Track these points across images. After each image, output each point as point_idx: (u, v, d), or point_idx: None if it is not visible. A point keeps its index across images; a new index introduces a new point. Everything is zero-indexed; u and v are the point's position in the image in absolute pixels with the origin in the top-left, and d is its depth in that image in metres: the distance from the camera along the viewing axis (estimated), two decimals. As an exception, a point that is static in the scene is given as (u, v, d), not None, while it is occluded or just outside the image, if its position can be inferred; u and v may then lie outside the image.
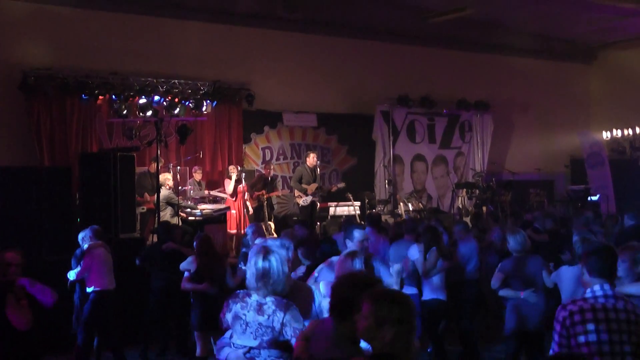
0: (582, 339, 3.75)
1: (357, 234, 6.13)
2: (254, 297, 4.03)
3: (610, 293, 3.87)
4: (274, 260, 4.09)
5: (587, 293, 3.90)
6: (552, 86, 19.22)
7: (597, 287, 3.89)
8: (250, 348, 3.97)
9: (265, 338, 3.96)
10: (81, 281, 7.90)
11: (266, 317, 3.98)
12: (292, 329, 3.98)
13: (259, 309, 4.00)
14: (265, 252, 4.13)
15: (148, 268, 8.62)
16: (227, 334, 4.22)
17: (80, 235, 8.09)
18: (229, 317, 4.10)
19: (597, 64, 20.28)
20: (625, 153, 17.51)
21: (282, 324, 3.97)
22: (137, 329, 8.81)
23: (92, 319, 7.74)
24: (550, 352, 3.88)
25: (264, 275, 4.03)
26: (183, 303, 8.22)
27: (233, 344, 4.03)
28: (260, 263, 4.06)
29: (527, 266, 6.73)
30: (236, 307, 4.04)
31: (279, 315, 3.98)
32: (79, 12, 13.16)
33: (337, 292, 3.71)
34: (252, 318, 3.99)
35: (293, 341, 3.94)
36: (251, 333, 3.98)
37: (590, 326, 3.75)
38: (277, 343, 3.99)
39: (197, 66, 14.02)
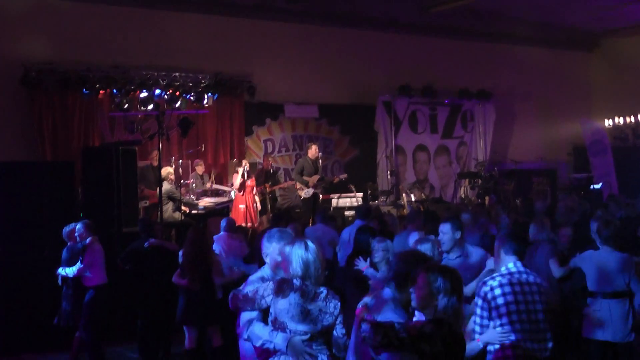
0: (503, 309, 4.35)
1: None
2: (312, 287, 4.20)
3: (523, 269, 4.56)
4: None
5: (504, 270, 4.53)
6: (554, 74, 19.13)
7: (511, 265, 4.55)
8: (312, 334, 4.12)
9: (325, 324, 4.17)
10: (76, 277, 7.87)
11: (324, 303, 4.19)
12: (341, 316, 4.25)
13: (317, 297, 4.20)
14: (311, 244, 4.29)
15: (132, 269, 8.27)
16: (251, 316, 4.32)
17: (66, 230, 8.04)
18: (270, 301, 4.19)
19: (599, 51, 20.17)
20: (628, 140, 17.44)
21: (340, 311, 4.22)
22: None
23: (95, 313, 7.77)
24: (471, 324, 4.37)
25: (319, 266, 4.23)
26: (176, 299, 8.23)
27: (289, 330, 4.15)
28: (317, 254, 4.22)
29: (535, 254, 6.96)
30: (295, 296, 4.15)
31: (334, 302, 4.23)
32: (79, 6, 13.11)
33: (396, 266, 4.30)
34: (314, 306, 4.17)
35: (339, 327, 4.23)
36: (311, 320, 4.14)
37: (510, 297, 4.38)
38: (331, 330, 4.20)
39: (198, 59, 13.97)
